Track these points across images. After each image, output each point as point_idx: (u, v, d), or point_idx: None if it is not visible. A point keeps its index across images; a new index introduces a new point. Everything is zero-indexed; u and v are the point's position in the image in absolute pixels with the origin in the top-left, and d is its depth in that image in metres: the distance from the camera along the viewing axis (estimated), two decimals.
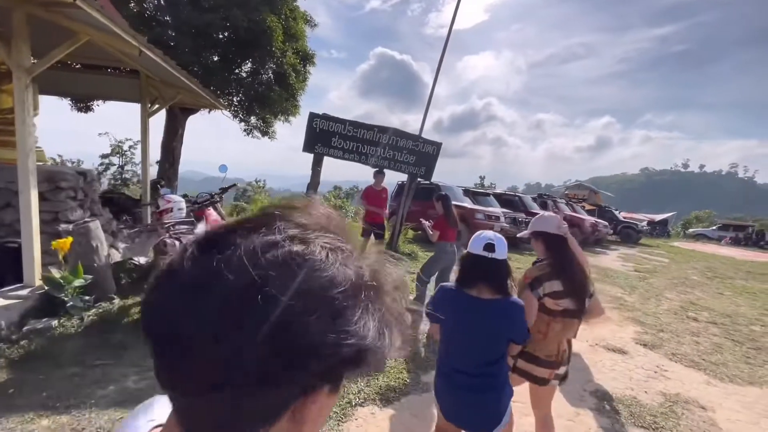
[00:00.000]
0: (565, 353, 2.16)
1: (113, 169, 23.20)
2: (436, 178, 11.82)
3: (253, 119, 10.84)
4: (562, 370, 2.14)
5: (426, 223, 4.83)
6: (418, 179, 7.50)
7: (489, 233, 1.82)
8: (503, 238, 1.83)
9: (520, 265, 8.05)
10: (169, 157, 10.76)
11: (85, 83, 6.39)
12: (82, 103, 9.50)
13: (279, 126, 11.09)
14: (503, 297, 1.73)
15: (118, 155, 24.95)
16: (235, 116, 10.26)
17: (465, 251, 1.86)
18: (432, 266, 4.92)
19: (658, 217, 27.33)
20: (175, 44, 7.53)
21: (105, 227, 4.47)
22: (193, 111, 10.74)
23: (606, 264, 10.81)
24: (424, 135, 7.22)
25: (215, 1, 7.91)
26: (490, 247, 1.74)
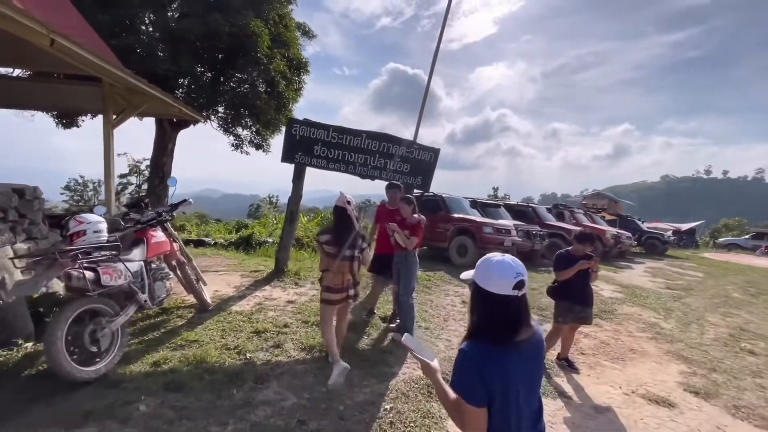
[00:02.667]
0: (349, 281, 3.32)
1: (131, 188, 23.37)
2: (444, 190, 10.98)
3: (245, 131, 10.31)
4: (351, 292, 3.35)
5: (399, 231, 4.03)
6: (414, 190, 6.67)
7: (509, 259, 1.35)
8: (516, 258, 1.37)
9: (536, 284, 7.09)
10: (159, 173, 10.26)
11: (39, 94, 5.85)
12: (65, 119, 9.09)
13: (278, 139, 10.51)
14: (534, 327, 1.40)
15: (135, 174, 25.06)
16: (225, 129, 9.72)
17: (473, 282, 1.38)
18: (412, 281, 4.20)
19: (685, 226, 25.71)
20: (150, 52, 7.01)
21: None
22: (184, 125, 10.28)
23: (633, 280, 9.67)
24: (433, 146, 6.45)
25: (194, 6, 7.40)
26: (521, 285, 1.31)
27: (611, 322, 5.82)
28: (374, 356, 3.73)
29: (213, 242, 12.70)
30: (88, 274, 2.82)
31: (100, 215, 3.78)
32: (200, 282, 4.52)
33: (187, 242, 11.87)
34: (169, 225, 4.04)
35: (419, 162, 6.39)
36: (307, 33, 11.64)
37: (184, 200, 4.26)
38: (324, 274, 3.30)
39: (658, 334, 5.43)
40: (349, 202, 3.27)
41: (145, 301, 3.40)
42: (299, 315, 4.61)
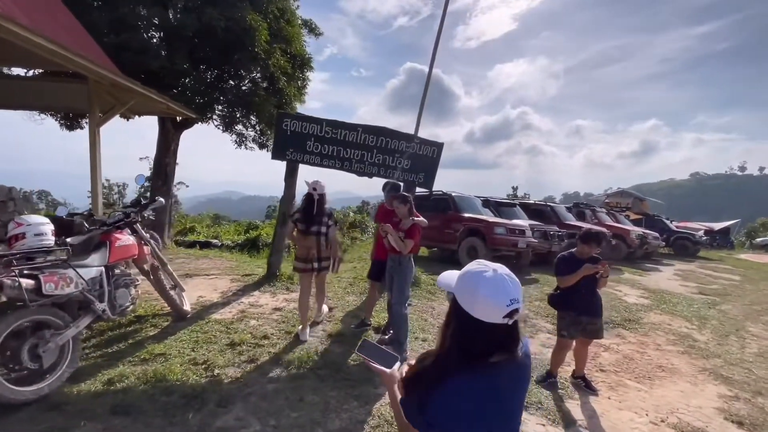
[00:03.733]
0: (314, 255, 3.91)
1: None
2: (462, 190, 10.45)
3: (248, 130, 10.07)
4: (315, 265, 3.95)
5: (393, 233, 3.59)
6: (417, 188, 6.21)
7: (502, 277, 1.00)
8: (511, 273, 1.03)
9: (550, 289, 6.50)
10: (161, 174, 10.12)
11: (21, 92, 5.68)
12: (68, 121, 9.05)
13: None
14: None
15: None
16: (226, 127, 9.50)
17: (453, 299, 1.06)
18: (406, 289, 3.80)
19: (718, 226, 24.13)
20: (144, 48, 6.80)
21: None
22: (188, 125, 10.14)
23: (661, 284, 8.89)
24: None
25: (187, 1, 7.17)
26: (514, 313, 0.98)
27: (636, 333, 5.21)
28: (359, 374, 3.30)
29: (220, 244, 12.58)
30: (26, 282, 2.50)
31: (63, 216, 3.51)
32: (177, 288, 4.20)
33: (193, 244, 11.79)
34: (139, 226, 3.72)
35: (421, 157, 5.94)
36: (314, 30, 11.33)
37: (155, 199, 3.95)
38: (297, 247, 4.11)
39: (691, 348, 4.79)
40: (314, 189, 3.94)
41: (104, 311, 3.08)
42: (283, 324, 4.23)
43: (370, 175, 5.74)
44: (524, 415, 3.01)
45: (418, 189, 6.33)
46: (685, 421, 3.11)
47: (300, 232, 3.95)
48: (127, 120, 8.62)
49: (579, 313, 3.35)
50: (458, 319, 1.02)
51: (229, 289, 5.34)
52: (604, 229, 10.98)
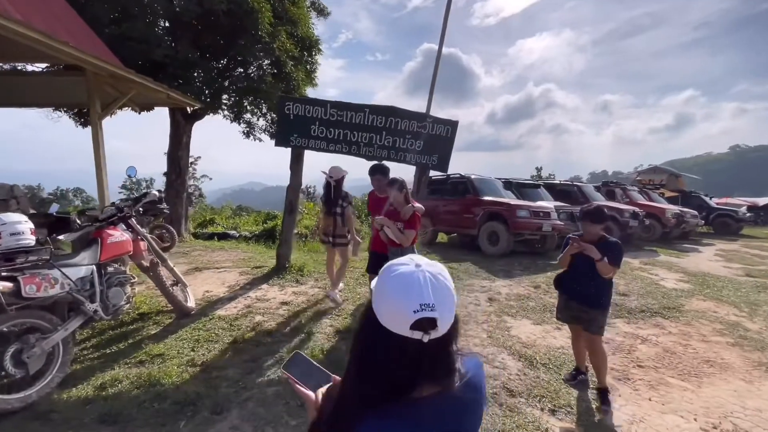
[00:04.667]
0: (331, 231, 4.57)
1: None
2: (485, 173, 9.97)
3: (258, 119, 9.86)
4: (332, 239, 4.60)
5: (390, 224, 3.26)
6: (430, 171, 5.81)
7: (421, 274, 0.74)
8: (444, 272, 0.77)
9: None
10: (175, 167, 10.10)
11: (19, 88, 5.58)
12: (82, 117, 9.07)
13: None
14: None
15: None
16: (235, 116, 9.30)
17: (367, 317, 0.78)
18: None
19: (763, 201, 22.47)
20: (146, 38, 6.61)
21: None
22: (198, 117, 10.02)
23: (702, 266, 8.20)
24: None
25: None
26: (426, 326, 0.72)
27: (677, 322, 4.71)
28: None
29: (238, 235, 12.60)
30: (2, 285, 2.34)
31: (53, 213, 3.36)
32: (180, 284, 4.05)
33: (211, 236, 11.83)
34: (134, 221, 3.55)
35: (434, 138, 5.52)
36: (322, 11, 10.92)
37: (147, 192, 3.76)
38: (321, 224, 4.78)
39: (742, 339, 4.27)
40: (331, 176, 4.51)
41: (95, 311, 2.92)
42: (290, 319, 4.02)
43: (380, 159, 5.38)
44: (551, 420, 2.68)
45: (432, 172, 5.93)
46: (743, 428, 2.69)
47: (324, 213, 4.72)
48: (139, 113, 8.57)
49: (570, 297, 3.03)
50: (365, 327, 0.79)
51: (237, 282, 5.18)
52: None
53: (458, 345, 0.79)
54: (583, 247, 2.78)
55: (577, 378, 3.20)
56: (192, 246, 8.57)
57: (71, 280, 2.77)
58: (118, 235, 3.28)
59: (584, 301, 2.91)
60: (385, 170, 4.08)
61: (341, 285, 5.01)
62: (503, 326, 4.29)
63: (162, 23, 7.36)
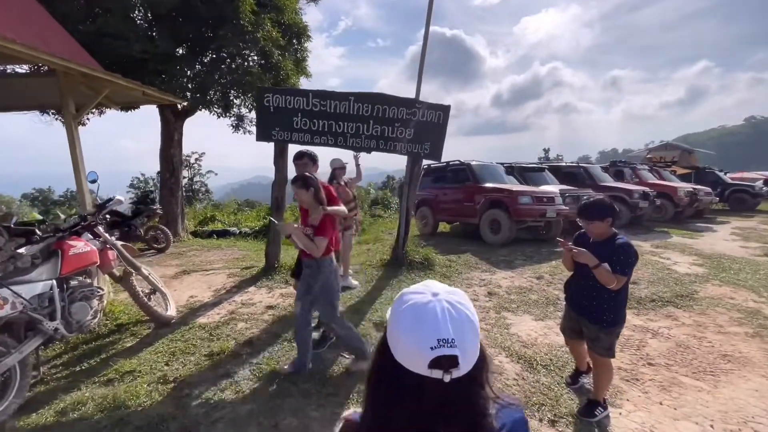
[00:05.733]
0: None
1: (184, 181, 24.62)
2: (491, 157, 9.62)
3: (249, 111, 9.57)
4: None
5: (295, 230, 2.76)
6: (423, 160, 5.51)
7: (439, 306, 0.67)
8: (465, 301, 0.70)
9: None
10: (168, 165, 9.91)
11: None
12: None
13: None
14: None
15: (186, 168, 25.65)
16: (224, 111, 9.03)
17: (381, 353, 0.72)
18: (336, 297, 2.93)
19: None
20: (121, 33, 6.33)
21: None
22: (189, 114, 9.78)
23: (717, 247, 7.79)
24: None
25: None
26: (443, 362, 0.64)
27: (691, 312, 4.40)
28: (349, 386, 2.81)
29: (238, 232, 12.44)
30: None
31: (12, 225, 3.15)
32: (157, 293, 3.85)
33: (210, 234, 11.71)
34: (101, 229, 3.33)
35: (425, 125, 5.20)
36: None
37: (111, 198, 3.54)
38: None
39: (762, 329, 3.95)
40: (334, 167, 4.78)
41: (56, 330, 2.73)
42: (274, 325, 3.80)
43: (369, 150, 5.10)
44: None
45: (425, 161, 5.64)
46: None
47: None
48: (121, 112, 8.34)
49: (572, 305, 2.67)
50: (379, 363, 0.72)
51: (223, 286, 4.98)
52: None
53: (494, 389, 0.71)
54: (569, 250, 2.39)
55: (579, 381, 2.94)
56: (189, 246, 8.43)
57: (24, 298, 2.57)
58: (82, 245, 3.07)
59: (582, 312, 2.53)
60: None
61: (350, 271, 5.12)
62: (502, 323, 4.03)
63: (138, 16, 7.06)
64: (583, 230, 2.66)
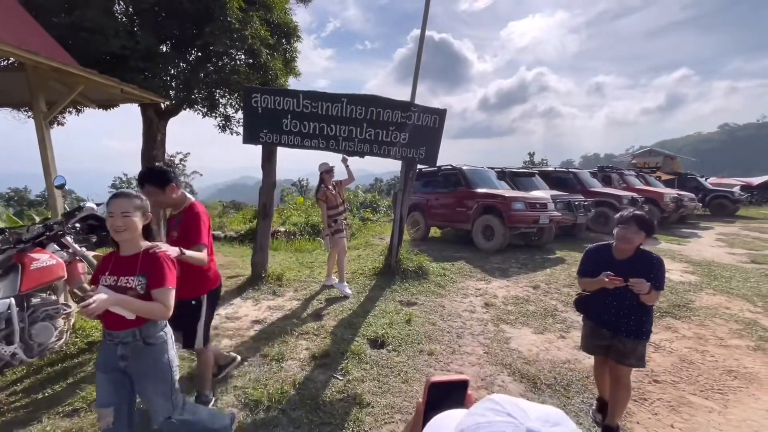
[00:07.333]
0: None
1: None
2: (476, 160, 9.50)
3: (236, 111, 9.24)
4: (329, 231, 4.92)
5: (172, 251, 1.87)
6: (418, 165, 5.32)
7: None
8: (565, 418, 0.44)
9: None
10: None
11: None
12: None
13: None
14: None
15: (170, 169, 24.94)
16: (209, 111, 8.69)
17: None
18: (173, 385, 1.84)
19: (757, 180, 22.32)
20: (99, 27, 5.97)
21: None
22: (173, 113, 9.40)
23: (705, 253, 7.85)
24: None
25: None
26: None
27: (690, 323, 4.33)
28: (342, 412, 2.58)
29: (223, 236, 12.02)
30: None
31: None
32: None
33: None
34: (70, 239, 3.03)
35: (421, 129, 5.02)
36: None
37: (80, 206, 3.24)
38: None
39: (762, 341, 3.89)
40: (323, 171, 4.97)
41: (14, 354, 2.43)
42: (261, 342, 3.54)
43: (362, 154, 4.88)
44: None
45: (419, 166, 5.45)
46: None
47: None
48: (105, 110, 7.93)
49: (600, 323, 2.46)
50: None
51: None
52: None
53: None
54: (620, 284, 2.20)
55: (606, 411, 2.75)
56: None
57: None
58: (46, 258, 2.77)
59: (618, 331, 2.37)
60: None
61: (334, 278, 5.23)
62: (501, 337, 3.86)
63: (119, 10, 6.70)
64: (594, 247, 2.52)
